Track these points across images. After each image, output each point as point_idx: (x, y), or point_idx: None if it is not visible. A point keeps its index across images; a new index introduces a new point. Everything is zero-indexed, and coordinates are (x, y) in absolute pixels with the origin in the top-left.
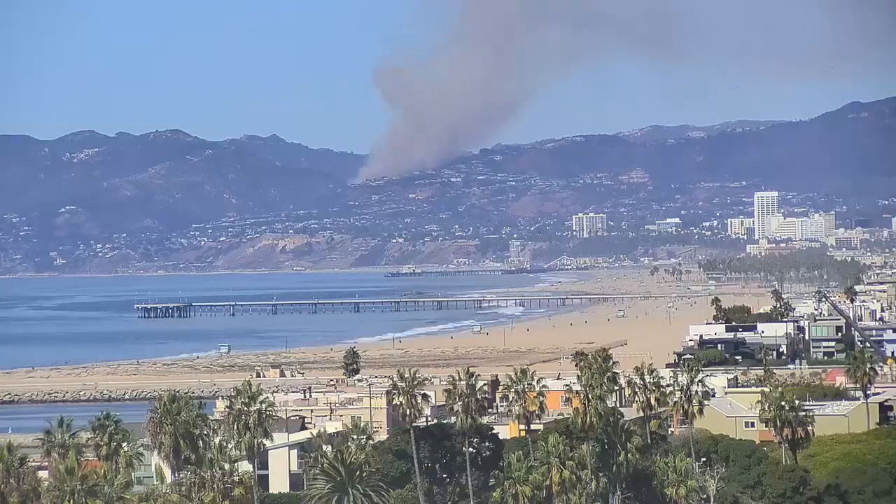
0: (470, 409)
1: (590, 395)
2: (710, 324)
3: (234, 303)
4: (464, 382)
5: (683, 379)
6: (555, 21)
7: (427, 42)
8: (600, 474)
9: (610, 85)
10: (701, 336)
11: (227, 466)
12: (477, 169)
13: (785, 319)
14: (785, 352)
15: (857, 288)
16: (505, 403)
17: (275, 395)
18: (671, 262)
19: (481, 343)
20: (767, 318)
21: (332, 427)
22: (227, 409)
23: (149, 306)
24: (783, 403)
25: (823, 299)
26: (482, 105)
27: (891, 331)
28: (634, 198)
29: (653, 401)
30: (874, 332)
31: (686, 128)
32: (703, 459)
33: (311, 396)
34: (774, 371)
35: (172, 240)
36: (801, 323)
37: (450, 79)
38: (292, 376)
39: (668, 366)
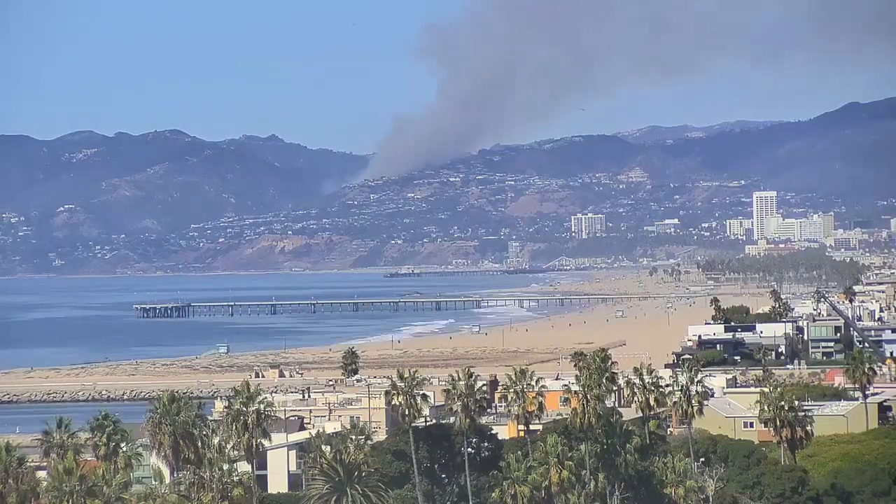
0: (469, 409)
1: (588, 396)
2: (709, 324)
3: (233, 303)
4: (463, 383)
5: (682, 379)
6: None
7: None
8: (599, 474)
9: (609, 85)
10: (700, 336)
11: (225, 467)
12: (475, 169)
13: (784, 320)
14: (784, 352)
15: (856, 288)
16: (504, 403)
17: (273, 395)
18: (670, 263)
19: (480, 343)
20: (766, 318)
21: (331, 427)
22: (225, 410)
23: (147, 306)
24: (782, 403)
25: (822, 300)
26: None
27: (889, 331)
28: (633, 198)
29: (652, 401)
30: (873, 332)
31: (685, 128)
32: (702, 459)
33: (309, 397)
34: (773, 371)
35: (171, 240)
36: (800, 323)
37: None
38: (291, 376)
39: (667, 366)
